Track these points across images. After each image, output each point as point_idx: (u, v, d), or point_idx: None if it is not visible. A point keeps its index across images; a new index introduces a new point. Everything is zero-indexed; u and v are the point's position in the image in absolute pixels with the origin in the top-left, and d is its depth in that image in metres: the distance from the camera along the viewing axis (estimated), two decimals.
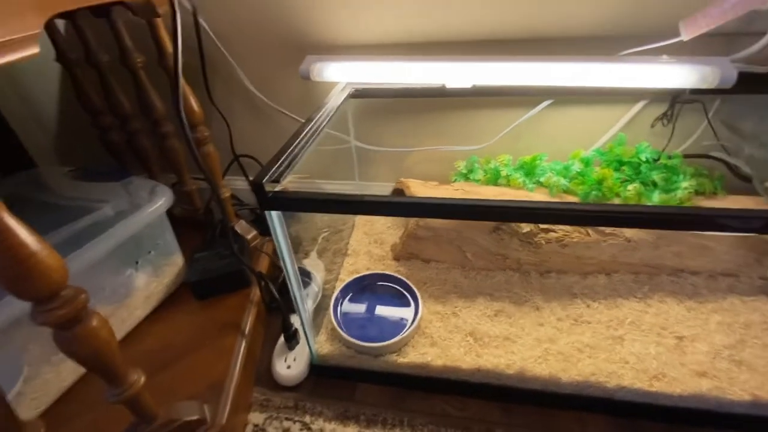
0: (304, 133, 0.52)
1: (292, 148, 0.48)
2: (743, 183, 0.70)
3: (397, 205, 0.41)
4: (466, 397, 0.60)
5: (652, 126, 0.72)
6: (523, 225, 0.66)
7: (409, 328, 0.62)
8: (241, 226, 0.79)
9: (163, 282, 0.67)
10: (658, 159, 0.68)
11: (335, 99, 0.67)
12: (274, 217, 0.44)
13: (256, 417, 0.60)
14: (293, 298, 0.54)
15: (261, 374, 0.65)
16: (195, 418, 0.49)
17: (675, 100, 0.67)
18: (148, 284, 0.65)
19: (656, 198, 0.64)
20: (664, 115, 0.70)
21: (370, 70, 0.67)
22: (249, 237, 0.79)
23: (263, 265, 0.77)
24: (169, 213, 0.86)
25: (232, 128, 0.86)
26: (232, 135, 0.87)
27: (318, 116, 0.58)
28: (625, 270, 0.69)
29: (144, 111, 0.72)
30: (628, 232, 0.65)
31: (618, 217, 0.38)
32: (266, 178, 0.42)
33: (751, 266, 0.65)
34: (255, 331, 0.66)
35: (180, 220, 0.86)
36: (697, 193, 0.66)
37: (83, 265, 0.53)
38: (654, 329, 0.61)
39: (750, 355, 0.56)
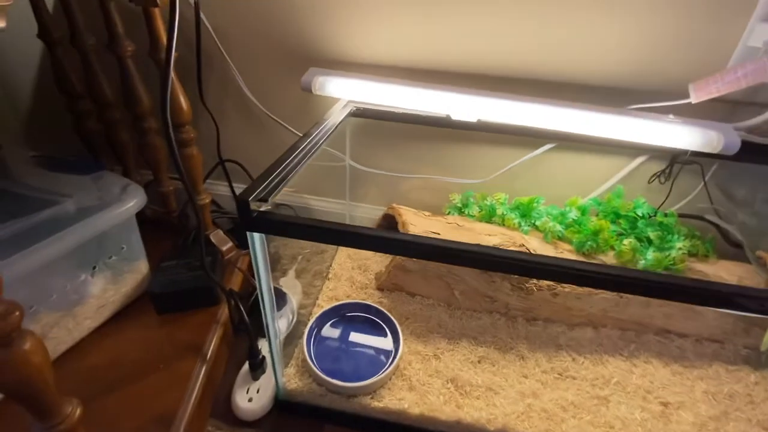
0: (301, 149, 0.48)
1: (285, 164, 0.44)
2: (733, 249, 0.70)
3: (396, 243, 0.37)
4: None
5: (650, 182, 0.71)
6: None
7: (387, 368, 0.58)
8: (217, 236, 0.74)
9: (122, 291, 0.61)
10: (654, 215, 0.67)
11: (336, 116, 0.63)
12: (257, 239, 0.40)
13: None
14: (265, 326, 0.49)
15: (219, 403, 0.59)
16: None
17: (674, 160, 0.67)
18: (104, 292, 0.58)
19: (650, 256, 0.63)
20: (662, 172, 0.70)
21: (375, 90, 0.65)
22: (224, 249, 0.74)
23: (236, 281, 0.71)
24: (140, 213, 0.80)
25: (221, 131, 0.82)
26: (220, 138, 0.82)
27: (317, 132, 0.54)
28: (612, 325, 0.67)
29: (127, 103, 0.66)
30: None
31: (626, 282, 0.36)
32: (253, 196, 0.37)
33: (738, 335, 0.65)
34: (218, 355, 0.60)
35: (151, 221, 0.80)
36: (690, 254, 0.65)
37: (31, 267, 0.47)
38: (639, 392, 0.59)
39: (734, 429, 0.55)
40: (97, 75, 0.68)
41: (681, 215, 0.70)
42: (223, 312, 0.64)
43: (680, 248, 0.63)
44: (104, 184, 0.59)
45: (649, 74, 0.62)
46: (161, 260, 0.65)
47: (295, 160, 0.46)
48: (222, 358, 0.63)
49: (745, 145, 0.56)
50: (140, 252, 0.63)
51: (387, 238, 0.37)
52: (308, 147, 0.50)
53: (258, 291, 0.45)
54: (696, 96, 0.57)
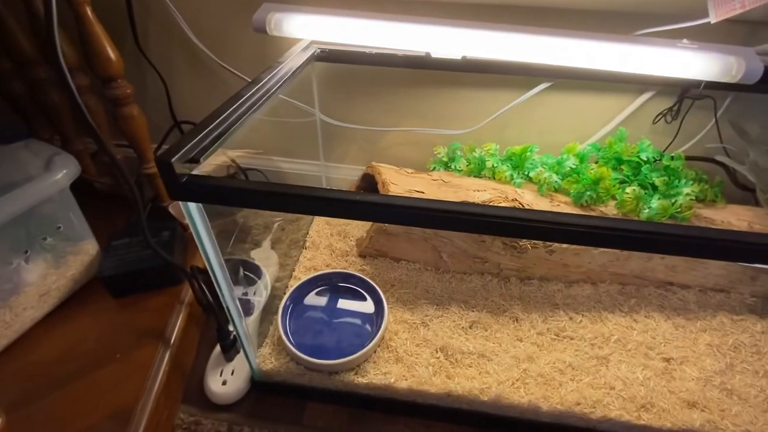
0: (246, 97, 0.39)
1: (225, 116, 0.36)
2: (742, 191, 0.65)
3: (362, 206, 0.30)
4: (433, 420, 0.52)
5: (655, 122, 0.64)
6: None
7: (370, 341, 0.53)
8: (176, 208, 0.66)
9: (67, 275, 0.54)
10: (660, 159, 0.61)
11: (295, 59, 0.54)
12: (192, 209, 0.32)
13: None
14: (225, 307, 0.43)
15: (192, 389, 0.54)
16: None
17: (684, 94, 0.60)
18: (44, 278, 0.51)
19: (655, 204, 0.57)
20: (670, 110, 0.62)
21: (342, 27, 0.54)
22: (185, 221, 0.66)
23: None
24: (90, 188, 0.72)
25: (170, 88, 0.72)
26: (171, 97, 0.72)
27: (268, 78, 0.45)
28: (612, 280, 0.63)
29: (47, 55, 0.56)
30: None
31: (631, 238, 0.30)
32: (178, 156, 0.30)
33: (744, 283, 0.61)
34: (185, 339, 0.55)
35: (103, 196, 0.71)
36: (698, 200, 0.60)
37: None
38: (641, 349, 0.55)
39: (740, 383, 0.52)
40: (7, 24, 0.57)
41: (688, 158, 0.63)
42: (188, 291, 0.58)
43: (688, 194, 0.57)
44: (26, 156, 0.50)
45: None
46: (111, 239, 0.58)
47: (241, 111, 0.38)
48: (191, 341, 0.57)
49: (765, 74, 0.49)
50: (84, 231, 0.55)
51: (352, 201, 0.30)
52: (257, 96, 0.41)
53: (209, 270, 0.38)
54: (716, 14, 0.48)
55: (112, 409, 0.44)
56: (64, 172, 0.49)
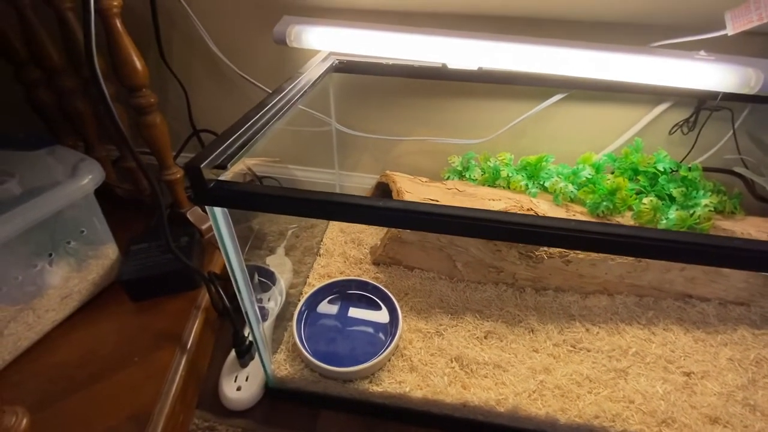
0: (269, 107, 0.40)
1: (250, 124, 0.37)
2: (761, 204, 0.64)
3: (383, 212, 0.30)
4: (448, 431, 0.52)
5: (671, 133, 0.64)
6: None
7: (385, 349, 0.53)
8: (195, 215, 0.67)
9: (88, 279, 0.55)
10: (677, 170, 0.60)
11: (314, 70, 0.55)
12: (218, 214, 0.33)
13: None
14: (243, 312, 0.43)
15: (206, 395, 0.55)
16: None
17: (701, 106, 0.60)
18: (67, 281, 0.52)
19: (673, 215, 0.57)
20: (686, 121, 0.62)
21: (359, 39, 0.56)
22: (203, 228, 0.67)
23: (219, 262, 0.65)
24: (111, 193, 0.73)
25: (191, 97, 0.74)
26: (191, 105, 0.74)
27: (290, 88, 0.46)
28: (629, 291, 0.62)
29: (75, 65, 0.58)
30: None
31: (652, 245, 0.30)
32: (206, 162, 0.30)
33: (765, 297, 0.59)
34: (201, 343, 0.55)
35: (124, 202, 0.73)
36: (716, 211, 0.59)
37: None
38: (660, 362, 0.54)
39: (763, 398, 0.50)
40: (38, 35, 0.59)
41: (705, 169, 0.63)
42: (204, 296, 0.58)
43: (706, 205, 0.57)
44: (53, 161, 0.52)
45: (676, 3, 0.54)
46: (131, 243, 0.59)
47: (264, 120, 0.39)
48: (206, 346, 0.58)
49: None
50: (106, 235, 0.56)
51: (374, 207, 0.31)
52: (279, 105, 0.42)
53: (230, 274, 0.39)
54: (733, 26, 0.49)
55: (130, 412, 0.44)
56: (90, 177, 0.50)
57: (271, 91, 0.45)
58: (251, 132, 0.36)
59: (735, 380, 0.52)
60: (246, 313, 0.43)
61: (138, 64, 0.53)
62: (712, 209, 0.57)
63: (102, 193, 0.56)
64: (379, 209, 0.30)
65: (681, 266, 0.58)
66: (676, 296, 0.62)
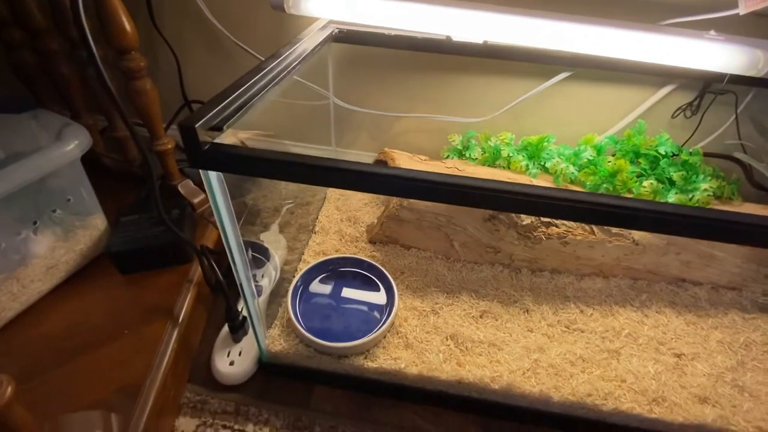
0: (266, 71, 0.38)
1: (245, 88, 0.35)
2: (757, 191, 0.64)
3: (387, 179, 0.29)
4: (442, 408, 0.52)
5: (674, 116, 0.63)
6: (523, 216, 0.57)
7: (381, 326, 0.52)
8: (187, 187, 0.65)
9: (75, 249, 0.53)
10: (678, 154, 0.60)
11: (312, 38, 0.53)
12: (213, 178, 0.32)
13: (185, 423, 0.49)
14: (238, 283, 0.42)
15: (198, 369, 0.54)
16: None
17: (706, 89, 0.59)
18: (53, 251, 0.51)
19: (672, 198, 0.56)
20: (690, 104, 0.61)
21: (361, 7, 0.54)
22: (195, 201, 0.65)
23: (211, 236, 0.64)
24: (99, 163, 0.71)
25: (183, 66, 0.71)
26: (183, 75, 0.71)
27: (286, 54, 0.44)
28: (624, 274, 0.62)
29: (60, 26, 0.55)
30: (637, 235, 0.58)
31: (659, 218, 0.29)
32: (201, 123, 0.29)
33: (758, 281, 0.60)
34: (193, 317, 0.54)
35: (112, 173, 0.70)
36: (715, 197, 0.59)
37: None
38: (652, 344, 0.55)
39: (751, 380, 0.51)
40: None
41: (706, 154, 0.62)
42: (196, 270, 0.57)
43: (705, 190, 0.57)
44: (36, 126, 0.49)
45: None
46: (120, 214, 0.57)
47: (257, 87, 0.37)
48: (198, 321, 0.57)
49: None
50: (93, 205, 0.54)
51: (377, 174, 0.30)
52: (276, 71, 0.40)
53: (225, 244, 0.37)
54: (745, 5, 0.48)
55: (119, 384, 0.43)
56: (76, 143, 0.48)
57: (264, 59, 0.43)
58: (247, 96, 0.35)
59: (724, 362, 0.53)
60: (240, 285, 0.42)
61: (127, 24, 0.50)
62: (711, 194, 0.57)
63: (89, 163, 0.53)
64: (382, 176, 0.29)
65: (677, 250, 0.58)
66: (670, 280, 0.62)
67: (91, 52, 0.35)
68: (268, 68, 0.40)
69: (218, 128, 0.30)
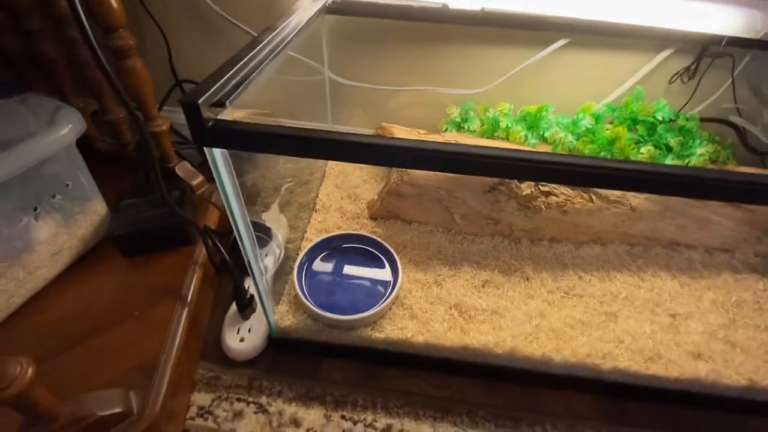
0: (260, 47, 0.37)
1: (240, 65, 0.34)
2: (751, 155, 0.65)
3: (384, 149, 0.29)
4: (446, 374, 0.54)
5: (671, 81, 0.63)
6: (523, 186, 0.57)
7: (387, 297, 0.54)
8: (184, 169, 0.65)
9: (77, 234, 0.53)
10: (675, 120, 0.60)
11: (304, 11, 0.51)
12: (218, 156, 0.31)
13: (201, 398, 0.50)
14: (246, 262, 0.43)
15: (209, 347, 0.55)
16: (115, 411, 0.38)
17: (704, 52, 0.59)
18: (55, 237, 0.50)
19: (669, 163, 0.57)
20: (687, 69, 0.61)
21: None
22: (194, 183, 0.65)
23: (212, 218, 0.64)
24: (92, 148, 0.70)
25: (171, 45, 0.69)
26: (173, 54, 0.69)
27: (279, 29, 0.43)
28: (621, 241, 0.63)
29: (43, 4, 0.53)
30: (634, 201, 0.59)
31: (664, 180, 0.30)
32: (204, 98, 0.28)
33: (750, 243, 0.62)
34: (201, 297, 0.55)
35: (106, 157, 0.69)
36: (710, 161, 0.60)
37: None
38: (648, 306, 0.57)
39: (743, 336, 0.54)
40: None
41: (702, 119, 0.63)
42: (201, 251, 0.57)
43: (701, 154, 0.57)
44: (27, 110, 0.48)
45: None
46: (119, 198, 0.57)
47: (254, 63, 0.36)
48: (206, 301, 0.57)
49: None
50: (92, 190, 0.54)
51: (380, 145, 0.30)
52: (272, 45, 0.39)
53: (231, 221, 0.37)
54: None
55: (134, 363, 0.44)
56: (70, 126, 0.47)
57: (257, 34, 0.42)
58: (245, 72, 0.34)
59: (717, 320, 0.55)
60: (248, 262, 0.43)
61: (113, 1, 0.49)
62: (707, 159, 0.58)
63: (82, 148, 0.52)
64: (386, 147, 0.29)
65: (672, 215, 0.59)
66: (665, 244, 0.64)
67: (85, 30, 0.34)
68: (264, 42, 0.40)
69: (221, 104, 0.30)
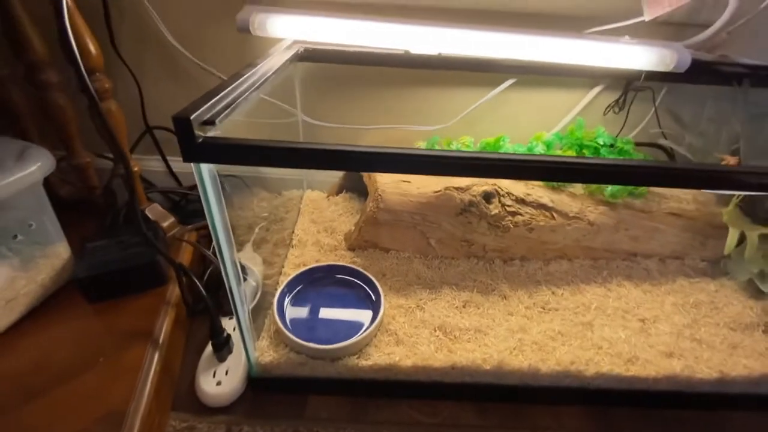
0: (235, 85, 0.39)
1: (226, 92, 0.36)
2: None
3: (381, 157, 0.32)
4: (436, 400, 0.53)
5: (605, 113, 0.72)
6: (491, 207, 0.61)
7: (372, 323, 0.53)
8: (155, 211, 0.63)
9: (37, 280, 0.49)
10: (614, 145, 0.68)
11: (277, 57, 0.55)
12: (205, 172, 0.32)
13: None
14: (229, 291, 0.42)
15: (181, 397, 0.51)
16: None
17: (628, 87, 0.68)
18: (12, 282, 0.47)
19: None
20: (616, 102, 0.71)
21: (324, 26, 0.58)
22: (165, 224, 0.64)
23: (184, 259, 0.62)
24: (55, 195, 0.67)
25: (144, 91, 0.70)
26: (144, 100, 0.71)
27: (258, 67, 0.46)
28: (585, 255, 0.68)
29: (14, 49, 0.53)
30: (591, 216, 0.64)
31: (618, 171, 0.34)
32: (196, 115, 0.30)
33: (696, 249, 0.68)
34: (173, 340, 0.52)
35: (69, 204, 0.67)
36: None
37: None
38: (618, 313, 0.60)
39: (706, 333, 0.57)
40: None
41: (635, 143, 0.71)
42: (173, 291, 0.55)
43: None
44: None
45: None
46: (85, 241, 0.54)
47: (242, 87, 0.39)
48: (178, 345, 0.54)
49: (692, 65, 0.58)
50: (56, 233, 0.52)
51: (362, 152, 0.32)
52: (253, 79, 0.42)
53: (215, 243, 0.37)
54: (649, 12, 0.57)
55: (100, 414, 0.40)
56: (38, 164, 0.46)
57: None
58: (233, 96, 0.36)
59: (681, 321, 0.59)
60: (230, 290, 0.42)
61: (91, 45, 0.51)
62: None
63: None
64: (370, 154, 0.32)
65: (626, 227, 0.65)
66: (624, 256, 0.69)
67: (84, 81, 0.35)
68: (246, 75, 0.42)
69: (210, 122, 0.31)
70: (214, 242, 0.37)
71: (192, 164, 0.32)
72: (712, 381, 0.51)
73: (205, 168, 0.32)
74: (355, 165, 0.33)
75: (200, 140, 0.30)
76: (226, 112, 0.34)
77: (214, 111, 0.33)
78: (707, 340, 0.56)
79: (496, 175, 0.34)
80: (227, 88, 0.37)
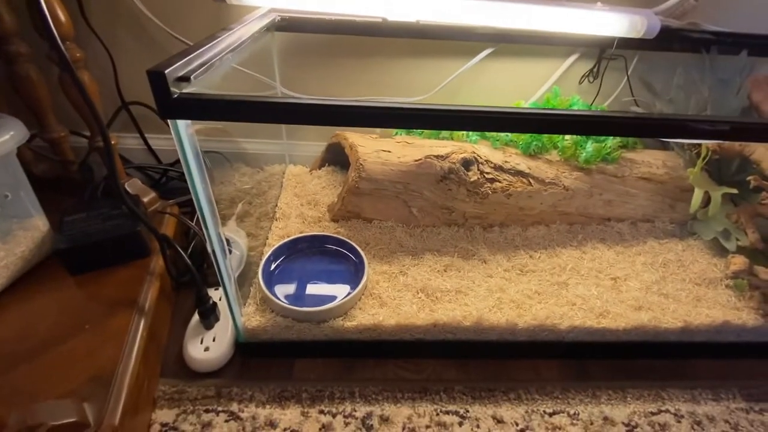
0: (210, 45, 0.39)
1: (203, 50, 0.36)
2: (653, 140, 0.77)
3: (363, 110, 0.32)
4: (420, 358, 0.55)
5: (580, 82, 0.74)
6: (470, 174, 0.63)
7: (357, 286, 0.54)
8: (135, 186, 0.63)
9: (16, 252, 0.49)
10: None
11: (254, 23, 0.55)
12: (182, 129, 0.32)
13: (164, 414, 0.47)
14: (211, 253, 0.42)
15: (169, 366, 0.52)
16: (69, 420, 0.35)
17: (601, 55, 0.70)
18: None
19: (590, 147, 0.66)
20: (591, 71, 0.72)
21: None
22: (146, 200, 0.63)
23: (167, 232, 0.62)
24: (29, 173, 0.66)
25: (117, 65, 0.69)
26: (119, 74, 0.69)
27: (228, 35, 0.44)
28: (561, 220, 0.70)
29: None
30: (566, 181, 0.66)
31: (594, 122, 0.36)
32: (170, 71, 0.30)
33: (665, 212, 0.71)
34: (158, 310, 0.52)
35: (44, 182, 0.65)
36: (621, 146, 0.70)
37: None
38: (592, 273, 0.63)
39: (672, 288, 0.61)
40: None
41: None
42: (157, 262, 0.55)
43: (614, 138, 0.67)
44: None
45: None
46: (63, 215, 0.54)
47: (217, 49, 0.39)
48: (164, 316, 0.55)
49: (663, 32, 0.60)
50: (33, 205, 0.51)
51: (351, 107, 0.33)
52: (228, 41, 0.42)
53: (195, 200, 0.38)
54: None
55: (89, 375, 0.41)
56: (11, 133, 0.45)
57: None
58: (209, 55, 0.36)
59: (650, 278, 0.62)
60: (213, 254, 0.42)
61: (61, 14, 0.49)
62: (619, 141, 0.68)
63: None
64: (357, 108, 0.33)
65: (599, 191, 0.68)
66: (598, 221, 0.71)
67: (59, 47, 0.35)
68: (221, 38, 0.42)
69: (185, 79, 0.31)
70: (196, 208, 0.38)
71: (169, 121, 0.32)
72: (677, 330, 0.55)
73: (182, 125, 0.32)
74: (332, 119, 0.33)
75: (176, 96, 0.31)
76: (201, 70, 0.34)
77: (188, 68, 0.33)
78: (673, 294, 0.60)
79: (488, 128, 0.35)
80: (202, 48, 0.37)
